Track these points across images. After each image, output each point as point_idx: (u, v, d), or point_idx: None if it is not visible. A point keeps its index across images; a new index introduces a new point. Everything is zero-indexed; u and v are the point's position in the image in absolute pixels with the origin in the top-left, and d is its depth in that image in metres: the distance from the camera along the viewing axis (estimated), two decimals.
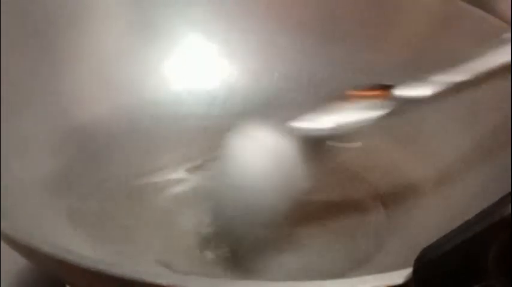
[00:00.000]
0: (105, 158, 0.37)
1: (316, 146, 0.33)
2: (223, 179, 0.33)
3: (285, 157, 0.32)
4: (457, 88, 0.32)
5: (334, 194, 0.37)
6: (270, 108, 0.41)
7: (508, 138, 0.32)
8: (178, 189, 0.37)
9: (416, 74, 0.39)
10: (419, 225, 0.33)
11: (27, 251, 0.25)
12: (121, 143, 0.38)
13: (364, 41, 0.41)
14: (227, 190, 0.32)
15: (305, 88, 0.41)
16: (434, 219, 0.33)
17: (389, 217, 0.35)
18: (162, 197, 0.36)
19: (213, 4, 0.42)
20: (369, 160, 0.38)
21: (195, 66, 0.42)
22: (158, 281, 0.21)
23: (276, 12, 0.42)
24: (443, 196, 0.34)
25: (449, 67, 0.35)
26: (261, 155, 0.32)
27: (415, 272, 0.21)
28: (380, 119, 0.32)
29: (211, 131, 0.40)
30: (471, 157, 0.35)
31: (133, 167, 0.37)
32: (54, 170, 0.35)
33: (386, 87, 0.32)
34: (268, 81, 0.42)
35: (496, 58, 0.31)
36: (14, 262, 0.33)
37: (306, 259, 0.33)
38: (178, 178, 0.38)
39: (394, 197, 0.36)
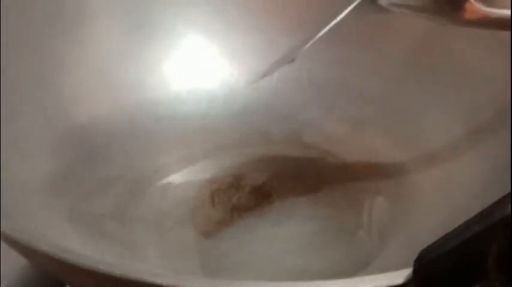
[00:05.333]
0: (105, 158, 0.37)
1: None
2: None
3: None
4: None
5: (334, 194, 0.37)
6: (270, 108, 0.41)
7: (508, 137, 0.32)
8: (178, 189, 0.37)
9: (416, 74, 0.40)
10: (419, 225, 0.33)
11: (27, 251, 0.25)
12: (121, 143, 0.38)
13: (364, 41, 0.41)
14: None
15: (305, 88, 0.41)
16: (434, 219, 0.33)
17: (390, 217, 0.35)
18: (162, 196, 0.36)
19: (213, 4, 0.42)
20: (369, 159, 0.38)
21: (195, 66, 0.42)
22: (158, 281, 0.21)
23: (276, 12, 0.42)
24: (443, 196, 0.34)
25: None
26: None
27: (415, 272, 0.21)
28: None
29: (211, 131, 0.40)
30: (471, 156, 0.35)
31: (133, 167, 0.37)
32: (54, 170, 0.35)
33: None
34: (268, 80, 0.42)
35: None
36: (14, 262, 0.33)
37: (306, 259, 0.33)
38: (178, 178, 0.38)
39: (394, 197, 0.36)
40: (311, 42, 0.33)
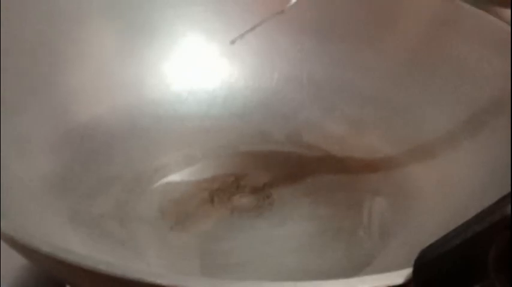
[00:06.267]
0: (105, 158, 0.37)
1: None
2: None
3: None
4: None
5: (334, 194, 0.37)
6: (270, 108, 0.41)
7: (508, 137, 0.32)
8: (178, 188, 0.37)
9: (416, 74, 0.40)
10: (419, 225, 0.33)
11: (27, 251, 0.25)
12: (121, 143, 0.38)
13: (364, 41, 0.41)
14: None
15: (305, 88, 0.41)
16: (434, 219, 0.33)
17: (389, 216, 0.35)
18: (162, 196, 0.36)
19: (213, 4, 0.42)
20: (369, 160, 0.38)
21: (195, 66, 0.42)
22: (158, 281, 0.21)
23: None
24: (443, 196, 0.34)
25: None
26: None
27: (415, 272, 0.21)
28: None
29: (211, 131, 0.40)
30: (471, 156, 0.35)
31: (133, 167, 0.37)
32: (54, 170, 0.35)
33: None
34: (268, 81, 0.42)
35: None
36: (14, 262, 0.33)
37: (306, 259, 0.33)
38: (178, 178, 0.38)
39: (394, 197, 0.36)
40: None
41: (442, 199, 0.34)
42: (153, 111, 0.40)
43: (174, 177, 0.37)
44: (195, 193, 0.37)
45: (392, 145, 0.38)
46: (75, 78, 0.39)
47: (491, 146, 0.34)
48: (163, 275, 0.22)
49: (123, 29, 0.41)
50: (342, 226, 0.35)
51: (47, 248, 0.23)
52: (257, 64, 0.42)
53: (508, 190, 0.20)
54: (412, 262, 0.21)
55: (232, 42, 0.37)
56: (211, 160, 0.39)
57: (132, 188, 0.36)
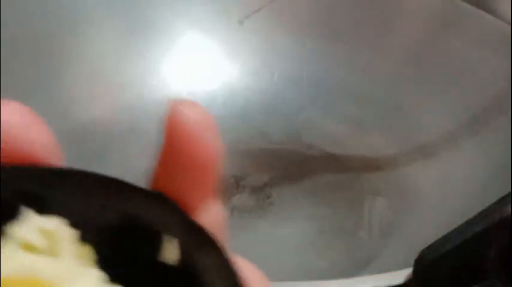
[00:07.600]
0: (104, 158, 0.37)
1: None
2: None
3: None
4: None
5: (334, 194, 0.37)
6: (270, 108, 0.41)
7: (508, 137, 0.32)
8: None
9: (416, 74, 0.40)
10: (419, 225, 0.33)
11: None
12: (121, 143, 0.38)
13: (364, 41, 0.41)
14: None
15: (305, 88, 0.41)
16: (434, 219, 0.33)
17: (390, 217, 0.35)
18: None
19: (213, 4, 0.42)
20: (369, 160, 0.38)
21: (195, 66, 0.42)
22: None
23: (276, 13, 0.42)
24: (443, 196, 0.34)
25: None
26: None
27: (415, 272, 0.21)
28: None
29: None
30: (471, 156, 0.35)
31: (133, 167, 0.37)
32: None
33: None
34: (268, 81, 0.42)
35: None
36: None
37: (306, 259, 0.33)
38: None
39: (394, 197, 0.36)
40: None
41: (441, 199, 0.34)
42: (152, 111, 0.40)
43: None
44: None
45: (392, 144, 0.38)
46: (75, 79, 0.39)
47: (491, 146, 0.34)
48: None
49: (123, 29, 0.41)
50: (342, 226, 0.35)
51: None
52: (257, 64, 0.42)
53: (508, 190, 0.20)
54: (412, 262, 0.21)
55: (241, 22, 0.37)
56: None
57: None
